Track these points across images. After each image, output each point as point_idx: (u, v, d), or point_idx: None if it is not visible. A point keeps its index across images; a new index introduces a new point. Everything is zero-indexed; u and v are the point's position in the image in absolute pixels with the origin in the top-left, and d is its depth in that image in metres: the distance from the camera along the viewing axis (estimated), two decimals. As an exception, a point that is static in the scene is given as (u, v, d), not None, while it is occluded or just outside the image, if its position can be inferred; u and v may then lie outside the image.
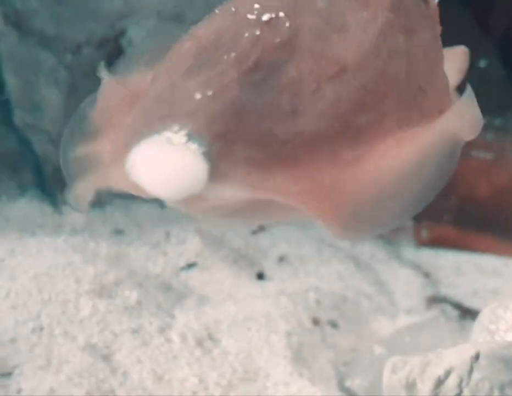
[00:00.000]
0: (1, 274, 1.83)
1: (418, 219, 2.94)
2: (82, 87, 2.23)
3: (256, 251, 2.47)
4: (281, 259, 2.46)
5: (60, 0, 2.26)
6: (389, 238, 2.87)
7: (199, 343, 1.79)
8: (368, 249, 2.70)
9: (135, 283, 1.93)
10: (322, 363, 1.84)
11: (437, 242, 2.85)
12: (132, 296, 1.87)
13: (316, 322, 2.00)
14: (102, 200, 2.41)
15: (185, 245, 2.31)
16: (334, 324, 2.04)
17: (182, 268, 2.20)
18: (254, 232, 2.57)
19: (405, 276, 2.55)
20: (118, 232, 2.37)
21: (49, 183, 2.36)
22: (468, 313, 2.16)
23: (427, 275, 2.61)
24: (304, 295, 2.06)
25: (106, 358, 1.68)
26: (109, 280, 1.87)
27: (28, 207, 2.36)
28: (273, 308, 1.98)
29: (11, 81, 2.30)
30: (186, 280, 2.13)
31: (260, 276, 2.31)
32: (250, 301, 1.99)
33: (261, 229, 2.60)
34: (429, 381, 1.15)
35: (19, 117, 2.31)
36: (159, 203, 2.60)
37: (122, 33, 2.23)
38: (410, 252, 2.77)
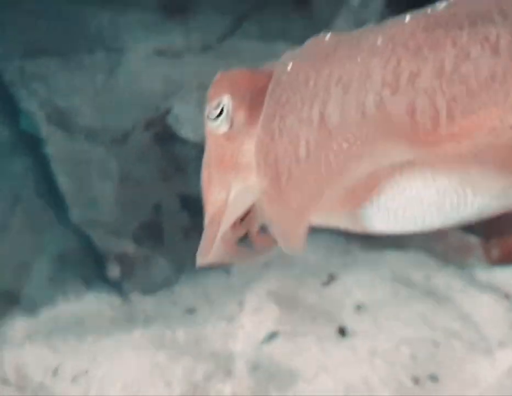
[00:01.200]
0: (90, 388, 1.76)
1: (485, 236, 2.84)
2: (133, 173, 2.18)
3: (331, 304, 2.39)
4: (358, 307, 2.38)
5: (101, 92, 2.21)
6: (459, 261, 2.78)
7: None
8: (442, 279, 2.61)
9: (224, 372, 1.86)
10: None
11: (509, 259, 2.75)
12: (226, 389, 1.80)
13: (416, 380, 1.92)
14: (169, 280, 2.35)
15: (261, 312, 2.24)
16: (434, 378, 1.95)
17: (263, 341, 2.12)
18: (325, 283, 2.49)
19: (486, 303, 2.46)
20: (190, 311, 2.30)
21: (114, 275, 2.30)
22: None
23: (507, 296, 2.52)
24: (396, 352, 1.98)
25: None
26: (198, 378, 1.79)
27: (96, 301, 2.30)
28: (370, 373, 1.90)
29: (63, 181, 2.26)
30: (271, 354, 2.05)
31: (342, 331, 2.23)
32: (344, 369, 1.91)
33: (332, 278, 2.52)
34: None
35: (75, 215, 2.26)
36: (224, 270, 2.54)
37: (167, 111, 2.17)
38: (484, 273, 2.68)
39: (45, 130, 2.25)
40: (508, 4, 0.87)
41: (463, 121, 0.82)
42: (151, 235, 2.34)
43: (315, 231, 2.79)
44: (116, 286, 2.34)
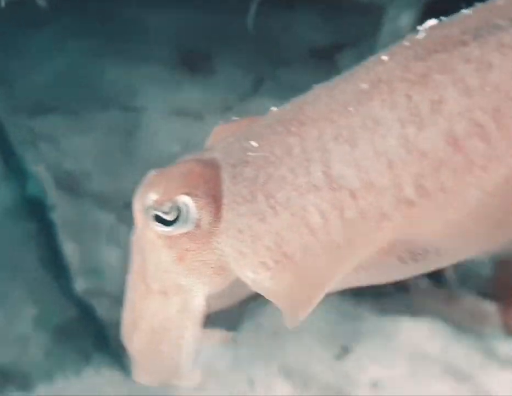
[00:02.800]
0: None
1: (504, 304, 2.73)
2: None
3: (346, 380, 2.26)
4: (374, 385, 2.25)
5: (115, 153, 2.08)
6: (476, 330, 2.67)
7: None
8: (461, 352, 2.49)
9: None
10: None
11: (529, 329, 2.65)
12: None
13: None
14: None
15: (273, 392, 2.10)
16: None
17: (278, 425, 1.99)
18: (338, 357, 2.35)
19: (507, 380, 2.36)
20: (197, 387, 2.15)
21: (115, 348, 2.16)
22: None
23: (528, 372, 2.42)
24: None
25: None
26: None
27: (96, 377, 2.15)
28: None
29: (68, 248, 2.12)
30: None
31: (359, 412, 2.10)
32: None
33: (345, 350, 2.39)
34: None
35: (79, 284, 2.12)
36: (232, 342, 2.40)
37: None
38: (503, 345, 2.57)
39: (53, 194, 2.11)
40: (500, 13, 0.84)
41: None
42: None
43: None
44: (117, 361, 2.19)
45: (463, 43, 0.85)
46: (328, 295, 2.77)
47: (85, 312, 2.21)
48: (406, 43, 0.91)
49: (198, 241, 0.99)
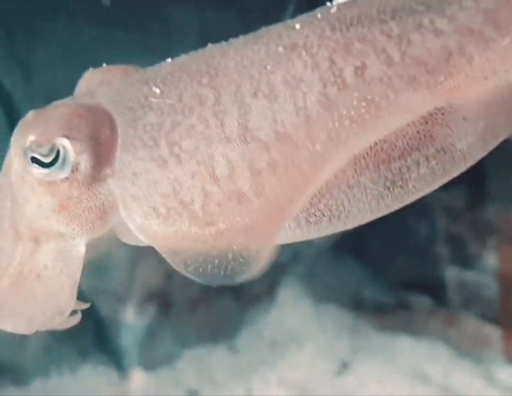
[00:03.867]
0: None
1: (507, 330, 2.70)
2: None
3: (345, 396, 2.22)
4: (373, 403, 2.21)
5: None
6: (476, 353, 2.63)
7: None
8: (460, 376, 2.46)
9: None
10: None
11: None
12: None
13: None
14: (171, 354, 2.17)
15: (271, 403, 2.07)
16: None
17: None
18: (338, 373, 2.32)
19: (507, 408, 2.32)
20: (193, 394, 2.12)
21: (113, 346, 2.12)
22: None
23: (529, 402, 2.39)
24: None
25: None
26: None
27: (92, 374, 2.11)
28: None
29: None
30: None
31: (357, 431, 2.06)
32: None
33: (344, 366, 2.35)
34: None
35: (84, 281, 2.08)
36: (229, 348, 2.37)
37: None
38: (503, 372, 2.54)
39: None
40: None
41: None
42: (158, 304, 2.16)
43: (321, 305, 2.63)
44: (114, 359, 2.15)
45: (381, 20, 0.92)
46: (326, 305, 2.73)
47: (86, 309, 2.16)
48: (318, 15, 0.95)
49: (80, 187, 0.95)
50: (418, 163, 0.92)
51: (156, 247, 0.94)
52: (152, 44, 2.27)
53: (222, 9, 2.43)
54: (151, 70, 1.03)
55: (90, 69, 1.10)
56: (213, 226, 0.91)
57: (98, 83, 1.07)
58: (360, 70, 0.89)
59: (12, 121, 2.20)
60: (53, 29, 2.28)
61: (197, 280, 0.92)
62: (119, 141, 0.95)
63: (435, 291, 2.88)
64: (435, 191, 0.96)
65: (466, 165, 0.93)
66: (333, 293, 2.86)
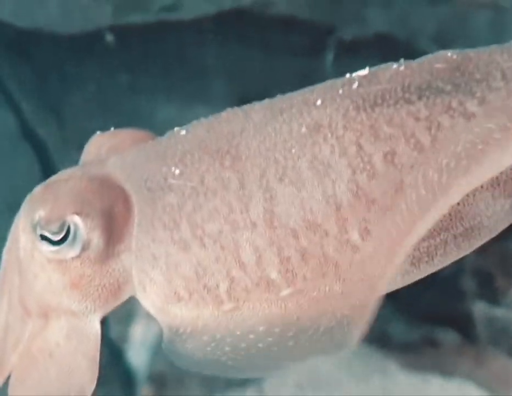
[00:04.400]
0: None
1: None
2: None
3: None
4: None
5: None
6: (504, 392, 2.61)
7: None
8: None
9: None
10: None
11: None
12: None
13: None
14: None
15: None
16: None
17: None
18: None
19: None
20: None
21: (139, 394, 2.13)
22: None
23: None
24: None
25: None
26: None
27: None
28: None
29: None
30: None
31: None
32: None
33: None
34: None
35: (115, 329, 2.09)
36: (256, 386, 2.35)
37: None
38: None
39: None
40: (441, 76, 0.90)
41: (471, 175, 0.82)
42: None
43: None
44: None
45: (407, 101, 0.89)
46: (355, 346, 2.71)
47: (114, 357, 2.17)
48: (339, 90, 0.92)
49: (92, 265, 0.92)
50: (446, 242, 0.91)
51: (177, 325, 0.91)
52: (184, 89, 2.29)
53: (247, 48, 2.44)
54: (165, 142, 0.99)
55: (98, 132, 1.07)
56: (239, 311, 0.88)
57: (107, 149, 1.03)
58: (389, 156, 0.87)
59: (46, 170, 2.22)
60: (84, 75, 2.30)
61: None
62: (136, 220, 0.92)
63: (463, 327, 2.85)
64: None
65: (490, 236, 0.93)
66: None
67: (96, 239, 0.91)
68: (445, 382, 2.58)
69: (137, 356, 2.13)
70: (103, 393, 2.16)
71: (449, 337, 2.79)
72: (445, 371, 2.64)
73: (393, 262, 0.85)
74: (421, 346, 2.81)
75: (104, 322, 0.97)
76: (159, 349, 2.16)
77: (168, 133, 1.00)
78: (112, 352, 2.18)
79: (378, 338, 2.85)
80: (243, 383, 2.27)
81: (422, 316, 2.85)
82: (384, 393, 2.44)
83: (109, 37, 2.28)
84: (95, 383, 0.96)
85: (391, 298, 3.11)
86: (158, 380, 2.12)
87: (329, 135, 0.89)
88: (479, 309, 2.78)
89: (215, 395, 2.24)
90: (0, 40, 2.35)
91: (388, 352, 2.77)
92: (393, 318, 2.87)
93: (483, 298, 2.79)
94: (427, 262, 0.91)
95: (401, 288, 3.18)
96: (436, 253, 0.91)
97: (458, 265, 2.88)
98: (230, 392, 2.26)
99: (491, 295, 2.77)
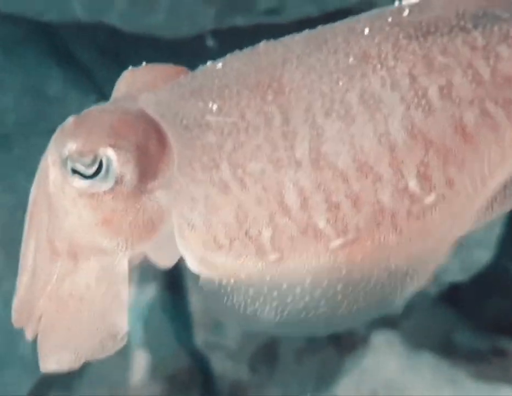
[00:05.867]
0: None
1: None
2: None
3: None
4: None
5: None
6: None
7: None
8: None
9: None
10: None
11: None
12: None
13: None
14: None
15: None
16: None
17: None
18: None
19: None
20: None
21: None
22: None
23: None
24: None
25: None
26: None
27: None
28: None
29: (193, 300, 2.15)
30: None
31: None
32: None
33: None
34: None
35: (200, 336, 2.15)
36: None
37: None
38: None
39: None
40: (499, 3, 0.84)
41: None
42: (265, 358, 2.21)
43: (414, 351, 2.62)
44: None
45: (462, 29, 0.83)
46: (422, 352, 2.71)
47: (197, 364, 2.24)
48: (388, 18, 0.86)
49: (125, 199, 0.87)
50: None
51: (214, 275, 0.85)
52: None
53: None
54: (200, 77, 0.93)
55: (130, 67, 1.01)
56: (284, 262, 0.82)
57: (139, 86, 0.97)
58: (446, 89, 0.80)
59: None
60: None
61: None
62: (172, 159, 0.88)
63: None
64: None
65: None
66: (424, 338, 2.84)
67: (130, 173, 0.87)
68: (515, 393, 2.59)
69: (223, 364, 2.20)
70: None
71: (517, 347, 2.78)
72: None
73: (460, 217, 0.79)
74: (489, 355, 2.80)
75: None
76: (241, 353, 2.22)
77: (201, 67, 0.94)
78: (195, 360, 2.25)
79: (444, 346, 2.85)
80: (318, 388, 2.31)
81: (488, 324, 2.83)
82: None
83: (210, 41, 2.26)
84: (126, 324, 0.90)
85: (456, 304, 3.10)
86: (238, 387, 2.18)
87: (379, 66, 0.82)
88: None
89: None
90: (99, 44, 2.41)
91: (456, 361, 2.77)
92: (458, 326, 2.86)
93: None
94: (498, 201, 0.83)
95: (467, 295, 3.15)
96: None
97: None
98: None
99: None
